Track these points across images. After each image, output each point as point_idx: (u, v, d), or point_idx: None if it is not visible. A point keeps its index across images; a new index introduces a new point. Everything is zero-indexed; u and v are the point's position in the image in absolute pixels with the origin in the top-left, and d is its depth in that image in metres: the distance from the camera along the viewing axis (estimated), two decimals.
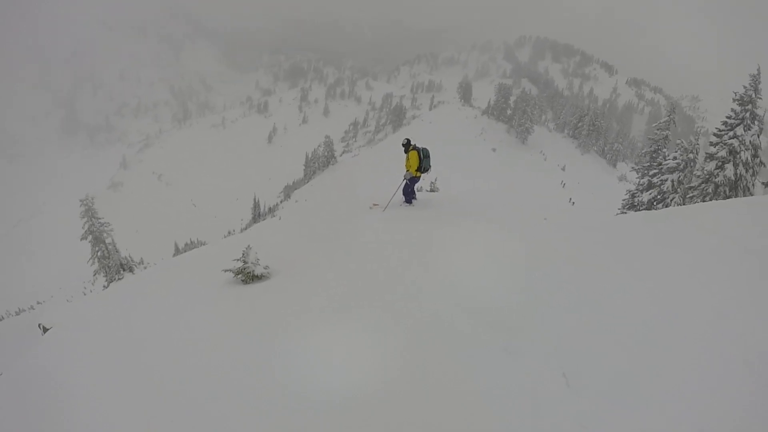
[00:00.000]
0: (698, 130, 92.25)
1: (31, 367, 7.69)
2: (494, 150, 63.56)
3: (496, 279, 7.18)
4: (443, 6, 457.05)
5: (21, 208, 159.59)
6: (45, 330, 20.59)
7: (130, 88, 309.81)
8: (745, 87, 22.99)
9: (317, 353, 5.95)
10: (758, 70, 23.19)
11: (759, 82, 22.90)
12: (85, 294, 65.33)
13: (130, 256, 36.16)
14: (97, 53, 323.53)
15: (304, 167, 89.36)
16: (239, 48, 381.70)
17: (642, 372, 4.44)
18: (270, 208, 78.82)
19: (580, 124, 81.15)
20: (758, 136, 23.03)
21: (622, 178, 67.95)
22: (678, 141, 27.70)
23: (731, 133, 23.16)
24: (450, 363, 5.28)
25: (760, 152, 23.33)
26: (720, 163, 23.10)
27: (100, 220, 32.99)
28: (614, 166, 78.85)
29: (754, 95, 22.82)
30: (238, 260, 9.64)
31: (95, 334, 8.66)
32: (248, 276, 9.49)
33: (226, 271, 9.77)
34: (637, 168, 33.99)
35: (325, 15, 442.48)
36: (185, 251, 69.23)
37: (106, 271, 33.37)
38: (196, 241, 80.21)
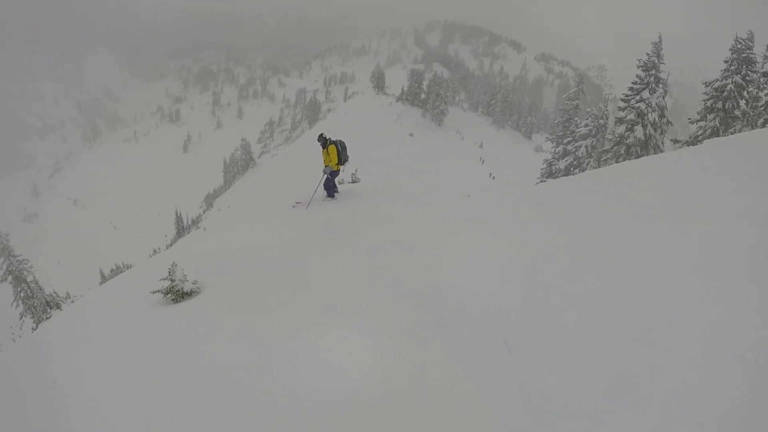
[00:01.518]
0: (607, 97, 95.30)
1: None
2: (411, 135, 63.62)
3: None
4: None
5: None
6: None
7: (33, 106, 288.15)
8: (648, 54, 24.63)
9: (244, 370, 5.56)
10: (659, 37, 24.76)
11: (661, 49, 24.57)
12: (14, 341, 61.84)
13: (55, 292, 33.78)
14: None
15: (223, 173, 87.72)
16: (144, 54, 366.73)
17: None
18: (193, 220, 76.79)
19: (493, 101, 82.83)
20: (663, 98, 24.63)
21: (539, 149, 69.64)
22: (588, 109, 29.56)
23: (638, 97, 24.71)
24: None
25: (666, 112, 24.93)
26: (630, 126, 24.53)
27: (18, 258, 30.69)
28: (530, 138, 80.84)
29: (656, 61, 24.50)
30: (164, 279, 9.10)
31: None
32: (177, 294, 8.97)
33: (154, 292, 9.17)
34: (551, 138, 35.11)
35: (224, 5, 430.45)
36: (112, 277, 66.29)
37: (33, 312, 31.06)
38: (122, 265, 76.63)
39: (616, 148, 24.94)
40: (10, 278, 30.39)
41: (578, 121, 30.94)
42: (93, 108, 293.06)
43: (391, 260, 7.81)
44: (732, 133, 21.37)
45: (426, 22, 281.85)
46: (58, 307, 30.84)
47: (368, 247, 8.85)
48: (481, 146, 62.85)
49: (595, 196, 8.07)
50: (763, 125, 19.89)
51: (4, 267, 30.20)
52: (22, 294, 30.86)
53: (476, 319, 5.34)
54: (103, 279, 73.81)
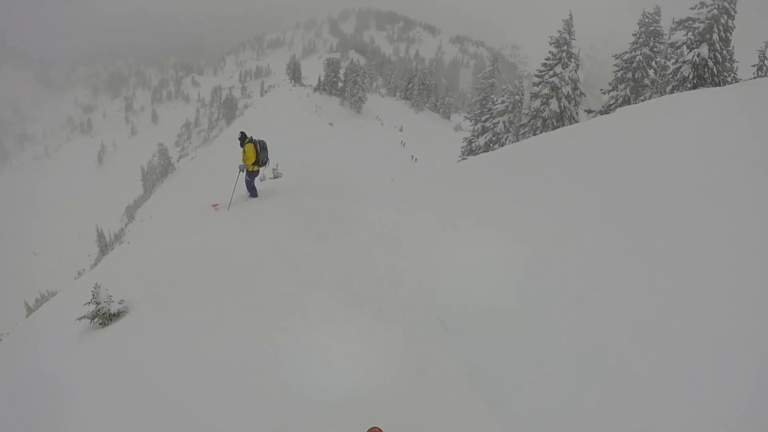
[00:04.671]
0: (521, 74, 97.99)
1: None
2: (331, 124, 63.51)
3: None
4: None
5: None
6: None
7: None
8: (559, 31, 25.70)
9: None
10: (570, 15, 25.72)
11: (572, 26, 25.61)
12: None
13: None
14: None
15: (142, 182, 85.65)
16: (54, 66, 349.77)
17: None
18: (116, 235, 75.25)
19: (410, 85, 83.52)
20: (576, 71, 25.77)
21: (458, 128, 70.72)
22: (504, 86, 30.96)
23: (551, 72, 25.65)
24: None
25: (579, 85, 26.08)
26: (545, 100, 25.45)
27: None
28: (448, 118, 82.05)
29: (568, 37, 25.51)
30: (89, 303, 8.62)
31: None
32: (105, 317, 8.56)
33: (80, 318, 8.66)
34: (470, 117, 35.77)
35: (136, 10, 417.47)
36: (37, 308, 62.85)
37: None
38: (46, 293, 73.57)
39: (533, 121, 25.56)
40: None
41: (495, 99, 31.73)
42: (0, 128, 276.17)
43: (313, 251, 8.29)
44: (642, 101, 22.51)
45: (341, 11, 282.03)
46: None
47: (291, 245, 8.96)
48: (401, 130, 63.19)
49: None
50: (671, 91, 21.03)
51: None
52: None
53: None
54: (29, 311, 70.56)
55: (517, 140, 26.21)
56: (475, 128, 31.76)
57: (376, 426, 3.93)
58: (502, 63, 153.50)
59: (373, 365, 5.20)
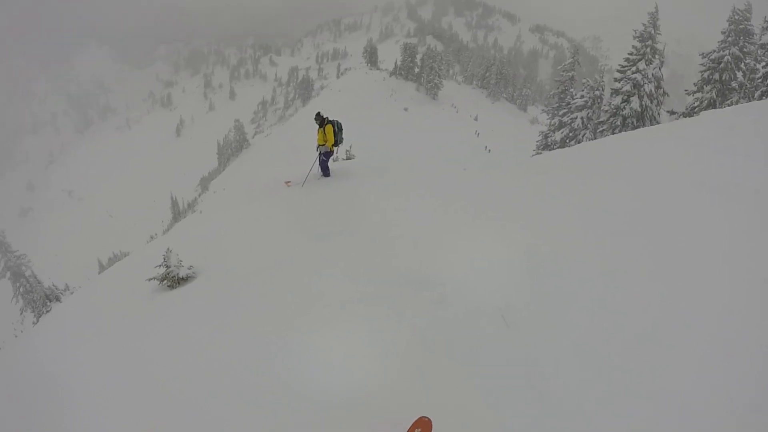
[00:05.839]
0: (602, 68, 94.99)
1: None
2: (406, 109, 63.25)
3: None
4: None
5: None
6: None
7: (25, 104, 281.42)
8: (644, 24, 24.36)
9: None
10: (656, 7, 24.44)
11: (657, 19, 24.27)
12: (16, 336, 62.01)
13: (54, 285, 33.78)
14: None
15: (217, 156, 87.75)
16: (134, 42, 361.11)
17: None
18: (189, 204, 77.31)
19: (487, 74, 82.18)
20: (659, 69, 24.18)
21: (534, 121, 69.38)
22: (584, 80, 29.38)
23: (634, 68, 24.41)
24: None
25: (662, 83, 24.58)
26: (626, 97, 24.22)
27: (15, 254, 30.70)
28: (525, 110, 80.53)
29: (653, 32, 24.20)
30: (160, 266, 9.23)
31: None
32: (173, 280, 9.10)
33: (149, 279, 9.36)
34: (547, 110, 34.99)
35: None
36: (110, 266, 66.16)
37: (33, 306, 31.09)
38: (119, 253, 77.52)
39: (612, 119, 24.72)
40: (8, 274, 30.46)
41: (574, 93, 30.76)
42: (84, 100, 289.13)
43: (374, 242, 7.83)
44: (729, 105, 21.16)
45: None
46: (58, 299, 30.77)
47: (367, 232, 8.59)
48: (476, 119, 62.51)
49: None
50: (760, 97, 19.72)
51: (2, 263, 30.27)
52: (21, 289, 30.91)
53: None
54: (102, 268, 74.17)
55: (595, 137, 25.85)
56: (552, 122, 31.06)
57: (424, 416, 3.93)
58: (583, 55, 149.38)
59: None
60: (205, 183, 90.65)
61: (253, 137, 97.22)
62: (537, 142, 31.91)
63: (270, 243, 9.40)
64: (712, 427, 3.51)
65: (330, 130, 13.68)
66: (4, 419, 5.94)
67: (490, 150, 44.38)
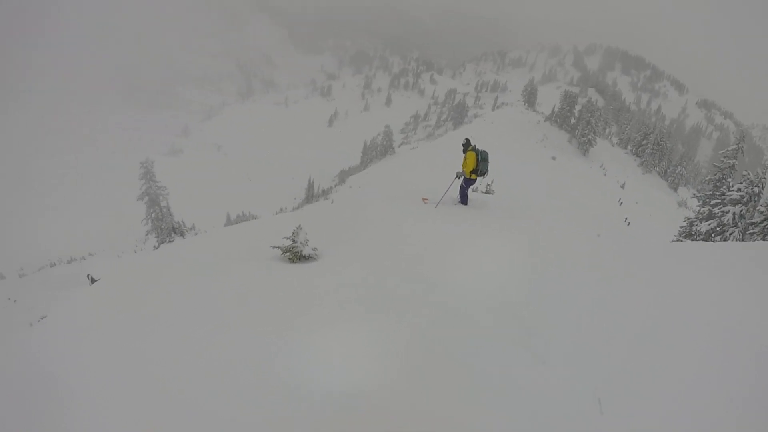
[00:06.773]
0: (767, 162, 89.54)
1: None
2: (554, 158, 62.50)
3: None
4: None
5: (78, 160, 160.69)
6: (93, 281, 21.07)
7: (192, 57, 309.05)
8: None
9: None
10: None
11: None
12: (135, 252, 67.49)
13: (182, 221, 37.41)
14: (158, 20, 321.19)
15: (361, 154, 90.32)
16: (303, 28, 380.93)
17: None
18: (324, 191, 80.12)
19: (644, 141, 79.11)
20: None
21: (682, 204, 66.33)
22: (744, 172, 26.18)
23: None
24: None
25: None
26: None
27: (157, 183, 34.19)
28: (675, 190, 77.02)
29: None
30: (287, 238, 9.79)
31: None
32: (295, 255, 9.54)
33: (274, 247, 9.92)
34: (698, 195, 33.22)
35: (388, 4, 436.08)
36: (236, 222, 70.84)
37: (158, 233, 34.76)
38: (248, 214, 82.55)
39: (766, 223, 22.29)
40: (146, 199, 34.17)
41: (731, 183, 28.95)
42: (250, 68, 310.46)
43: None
44: None
45: (587, 44, 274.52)
46: (182, 234, 34.20)
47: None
48: (623, 187, 60.93)
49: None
50: None
51: (144, 188, 33.86)
52: (153, 215, 34.75)
53: None
54: (228, 222, 79.42)
55: (743, 239, 24.06)
56: (701, 210, 28.97)
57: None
58: (749, 144, 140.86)
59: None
60: (343, 176, 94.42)
61: (399, 146, 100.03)
62: (681, 228, 30.15)
63: (402, 252, 9.23)
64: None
65: (471, 156, 13.62)
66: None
67: (629, 223, 43.74)
